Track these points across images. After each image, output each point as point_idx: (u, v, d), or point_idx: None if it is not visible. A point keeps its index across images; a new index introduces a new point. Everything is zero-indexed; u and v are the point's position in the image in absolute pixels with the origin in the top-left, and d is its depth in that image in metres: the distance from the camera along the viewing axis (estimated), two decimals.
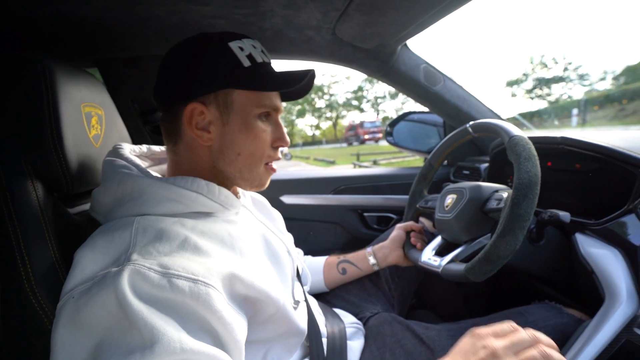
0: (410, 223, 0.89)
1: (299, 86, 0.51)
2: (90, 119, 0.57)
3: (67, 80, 0.52)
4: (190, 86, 0.50)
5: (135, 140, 0.79)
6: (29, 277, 0.42)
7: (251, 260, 0.51)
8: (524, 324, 0.63)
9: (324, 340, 0.67)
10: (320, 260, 0.92)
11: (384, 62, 0.94)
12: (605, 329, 0.53)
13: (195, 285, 0.39)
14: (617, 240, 0.62)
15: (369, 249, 0.90)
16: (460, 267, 0.63)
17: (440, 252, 0.76)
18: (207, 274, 0.41)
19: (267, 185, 0.60)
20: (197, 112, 0.51)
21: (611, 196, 0.70)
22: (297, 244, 1.21)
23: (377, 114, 46.22)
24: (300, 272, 0.73)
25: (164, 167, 0.62)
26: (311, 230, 1.25)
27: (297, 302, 0.63)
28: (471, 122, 0.74)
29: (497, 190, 0.69)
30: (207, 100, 0.51)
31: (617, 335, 0.52)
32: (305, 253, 0.98)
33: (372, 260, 0.87)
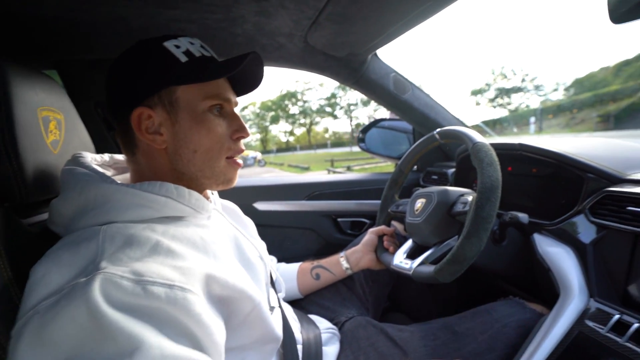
0: (382, 227, 0.91)
1: (240, 69, 0.50)
2: (47, 124, 0.54)
3: (22, 82, 0.49)
4: (131, 92, 0.49)
5: (99, 147, 0.76)
6: None
7: (225, 263, 0.50)
8: (490, 321, 0.67)
9: (300, 347, 0.66)
10: (294, 267, 0.91)
11: (355, 70, 0.97)
12: (561, 323, 0.57)
13: (172, 291, 0.38)
14: (569, 239, 0.67)
15: (342, 254, 0.90)
16: (429, 269, 0.65)
17: (411, 255, 0.78)
18: (183, 278, 0.40)
19: (235, 181, 0.58)
20: (144, 117, 0.49)
21: (564, 198, 0.76)
22: (271, 250, 1.19)
23: (350, 121, 46.99)
24: (274, 278, 0.72)
25: (128, 176, 0.59)
26: (285, 237, 1.24)
27: (272, 308, 0.63)
28: (438, 130, 0.78)
29: (463, 194, 0.73)
30: (151, 102, 0.50)
31: (571, 327, 0.56)
32: (280, 260, 0.97)
33: (345, 264, 0.88)
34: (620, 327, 0.52)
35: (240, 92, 0.60)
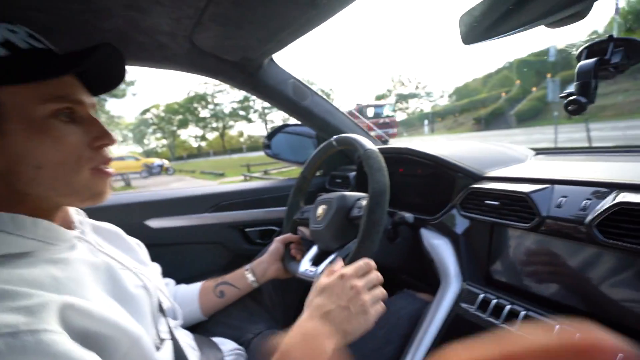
0: (288, 235, 0.90)
1: (86, 65, 0.42)
2: None
3: None
4: None
5: None
6: None
7: (89, 297, 0.41)
8: (387, 315, 0.70)
9: None
10: (195, 287, 0.83)
11: (251, 75, 0.93)
12: (442, 307, 0.64)
13: (17, 339, 0.30)
14: (447, 231, 0.76)
15: (247, 267, 0.86)
16: None
17: (317, 261, 0.79)
18: (30, 319, 0.32)
19: (106, 194, 0.49)
20: None
21: (443, 195, 0.86)
22: (172, 270, 1.07)
23: (266, 125, 46.56)
24: (164, 307, 0.64)
25: None
26: (189, 254, 1.13)
27: (162, 341, 0.55)
28: (335, 137, 0.80)
29: (359, 199, 0.76)
30: None
31: (450, 311, 0.64)
32: (183, 279, 0.89)
33: (250, 277, 0.84)
34: (485, 305, 0.60)
35: (98, 90, 0.51)
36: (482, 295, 0.62)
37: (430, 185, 0.92)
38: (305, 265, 0.78)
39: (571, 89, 0.58)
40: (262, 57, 0.87)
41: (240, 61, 0.86)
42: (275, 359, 0.48)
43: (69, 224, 0.52)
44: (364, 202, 0.73)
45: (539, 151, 0.98)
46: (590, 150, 0.92)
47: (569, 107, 0.57)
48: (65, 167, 0.43)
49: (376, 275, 0.55)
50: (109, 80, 0.51)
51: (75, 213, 0.56)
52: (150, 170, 20.99)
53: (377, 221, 0.62)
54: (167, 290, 0.71)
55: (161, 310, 0.62)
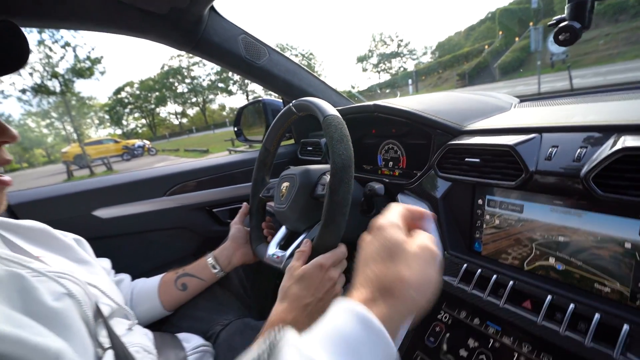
0: (243, 215, 0.83)
1: None
2: None
3: None
4: None
5: None
6: None
7: None
8: None
9: None
10: (155, 281, 0.76)
11: (190, 32, 0.78)
12: None
13: None
14: (426, 195, 0.68)
15: (209, 256, 0.78)
16: None
17: (285, 244, 0.72)
18: None
19: (3, 206, 0.42)
20: None
21: (421, 155, 0.77)
22: (133, 263, 0.98)
23: (247, 96, 45.11)
24: (103, 310, 0.55)
25: None
26: (151, 243, 1.03)
27: (104, 350, 0.48)
28: (293, 102, 0.69)
29: (324, 173, 0.67)
30: None
31: None
32: (150, 270, 0.82)
33: (214, 267, 0.76)
34: (468, 276, 0.53)
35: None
36: (464, 266, 0.54)
37: (406, 145, 0.82)
38: (272, 249, 0.71)
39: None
40: (197, 6, 0.72)
41: (171, 14, 0.71)
42: (257, 342, 0.42)
43: None
44: (327, 179, 0.63)
45: (524, 98, 0.88)
46: (579, 93, 0.82)
47: (560, 36, 0.47)
48: None
49: (342, 264, 0.56)
50: (11, 59, 0.42)
51: None
52: (132, 152, 20.34)
53: (340, 202, 0.53)
54: (113, 290, 0.63)
55: (100, 315, 0.54)
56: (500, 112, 0.71)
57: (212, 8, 0.80)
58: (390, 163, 0.87)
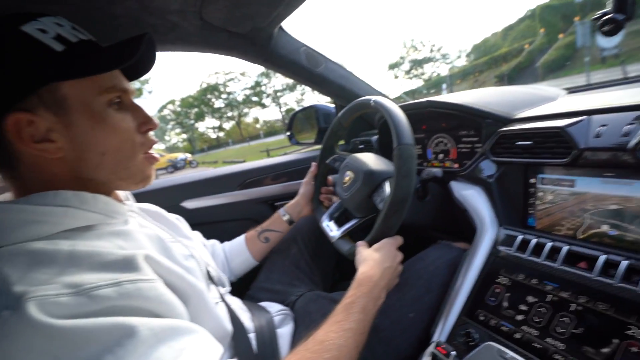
0: (314, 174, 0.94)
1: (140, 55, 0.44)
2: None
3: None
4: None
5: None
6: None
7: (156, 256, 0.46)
8: (424, 267, 0.72)
9: (252, 336, 0.64)
10: (240, 240, 0.92)
11: (263, 47, 0.93)
12: (480, 254, 0.64)
13: (121, 287, 0.35)
14: (478, 180, 0.75)
15: (281, 211, 0.94)
16: (346, 246, 0.72)
17: (338, 218, 0.83)
18: (127, 273, 0.37)
19: (152, 178, 0.54)
20: (24, 124, 0.41)
21: (471, 145, 0.84)
22: None
23: (280, 107, 46.37)
24: (213, 275, 0.68)
25: (8, 195, 0.49)
26: (223, 232, 1.18)
27: (215, 304, 0.59)
28: (376, 98, 0.73)
29: (385, 179, 0.72)
30: (29, 105, 0.41)
31: (488, 255, 0.63)
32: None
33: (287, 219, 0.93)
34: (524, 246, 0.60)
35: (130, 77, 0.53)
36: (520, 237, 0.61)
37: (456, 137, 0.90)
38: (326, 221, 0.83)
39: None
40: (271, 25, 0.86)
41: (251, 33, 0.86)
42: (347, 302, 0.54)
43: (119, 200, 0.56)
44: (386, 192, 0.69)
45: (572, 90, 0.92)
46: (631, 81, 0.85)
47: (604, 28, 0.53)
48: (124, 152, 0.47)
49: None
50: (142, 66, 0.53)
51: (122, 194, 0.60)
52: (175, 165, 21.69)
53: (390, 228, 0.64)
54: (212, 261, 0.76)
55: (210, 278, 0.66)
56: (548, 102, 0.76)
57: (281, 26, 0.94)
58: (441, 155, 0.95)
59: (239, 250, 0.90)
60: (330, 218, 0.83)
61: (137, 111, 0.50)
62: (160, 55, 0.96)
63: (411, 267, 0.72)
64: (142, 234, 0.51)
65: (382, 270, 0.60)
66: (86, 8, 0.64)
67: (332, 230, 0.78)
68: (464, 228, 0.80)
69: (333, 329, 0.49)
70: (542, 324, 0.49)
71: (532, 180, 0.65)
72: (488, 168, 0.73)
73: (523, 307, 0.53)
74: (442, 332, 0.59)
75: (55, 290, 0.32)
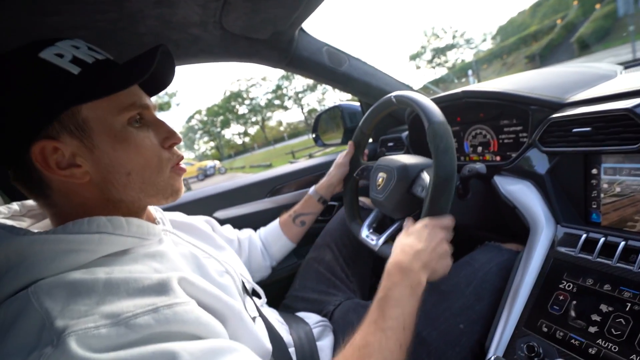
0: (349, 155, 0.91)
1: (152, 70, 0.43)
2: None
3: None
4: (18, 126, 0.39)
5: (12, 195, 0.65)
6: None
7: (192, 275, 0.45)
8: (472, 272, 0.66)
9: (292, 350, 0.62)
10: (275, 226, 0.94)
11: (285, 50, 0.91)
12: (536, 255, 0.58)
13: (159, 313, 0.35)
14: (526, 173, 0.68)
15: (311, 192, 0.94)
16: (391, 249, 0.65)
17: (378, 226, 0.78)
18: (163, 297, 0.37)
19: (182, 190, 0.53)
20: (49, 152, 0.40)
21: (515, 135, 0.77)
22: None
23: (302, 109, 46.72)
24: (248, 288, 0.67)
25: (49, 222, 0.50)
26: None
27: (253, 319, 0.58)
28: (397, 93, 0.71)
29: (422, 170, 0.69)
30: (52, 132, 0.40)
31: (546, 257, 0.57)
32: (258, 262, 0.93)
33: (320, 199, 0.93)
34: (589, 246, 0.53)
35: (152, 92, 0.52)
36: (584, 235, 0.54)
37: (497, 128, 0.83)
38: (365, 231, 0.78)
39: None
40: (292, 28, 0.83)
41: (272, 37, 0.84)
42: (379, 297, 0.50)
43: (152, 221, 0.56)
44: (426, 179, 0.66)
45: (629, 64, 0.82)
46: None
47: None
48: (150, 170, 0.47)
49: (450, 233, 0.59)
50: (162, 80, 0.52)
51: (154, 210, 0.60)
52: (205, 172, 22.51)
53: (440, 211, 0.58)
54: (247, 272, 0.75)
55: (246, 291, 0.65)
56: (605, 80, 0.68)
57: (301, 28, 0.92)
58: (479, 148, 0.88)
59: (276, 237, 0.91)
60: (369, 228, 0.79)
61: (160, 126, 0.49)
62: (185, 69, 0.97)
63: (457, 273, 0.67)
64: (177, 253, 0.50)
65: (413, 254, 0.54)
66: (111, 30, 0.65)
67: (373, 239, 0.73)
68: (514, 227, 0.73)
69: (370, 330, 0.47)
70: (622, 337, 0.43)
71: (594, 171, 0.57)
72: (538, 160, 0.66)
73: (596, 318, 0.47)
74: (498, 345, 0.53)
75: (94, 322, 0.32)
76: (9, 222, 0.43)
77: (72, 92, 0.40)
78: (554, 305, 0.52)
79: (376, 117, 0.80)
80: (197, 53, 0.81)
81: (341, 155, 0.93)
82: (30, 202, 0.51)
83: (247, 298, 0.64)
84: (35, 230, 0.41)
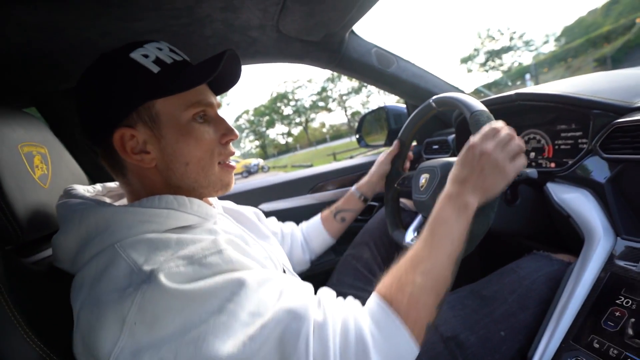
0: (392, 154, 0.92)
1: (218, 71, 0.48)
2: (31, 159, 0.53)
3: None
4: (107, 114, 0.47)
5: (93, 176, 0.75)
6: None
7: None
8: (517, 280, 0.64)
9: None
10: (317, 221, 0.95)
11: (335, 52, 0.94)
12: (590, 268, 0.54)
13: (223, 254, 0.43)
14: (584, 181, 0.64)
15: (353, 189, 0.95)
16: None
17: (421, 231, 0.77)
18: (214, 245, 0.44)
19: (232, 184, 0.58)
20: (126, 138, 0.48)
21: (572, 141, 0.73)
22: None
23: (345, 111, 46.75)
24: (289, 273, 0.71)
25: (125, 201, 0.58)
26: None
27: None
28: (433, 97, 0.74)
29: None
30: (131, 121, 0.48)
31: (602, 271, 0.53)
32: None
33: (361, 196, 0.94)
34: None
35: (219, 90, 0.59)
36: None
37: (552, 133, 0.78)
38: (410, 236, 0.77)
39: None
40: (343, 30, 0.86)
41: (323, 39, 0.88)
42: (429, 222, 0.53)
43: (209, 205, 0.62)
44: None
45: None
46: None
47: None
48: (203, 162, 0.52)
49: (506, 133, 0.55)
50: (228, 80, 0.58)
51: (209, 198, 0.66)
52: (249, 170, 23.47)
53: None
54: (288, 262, 0.79)
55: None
56: None
57: (352, 30, 0.94)
58: (532, 154, 0.84)
59: (317, 231, 0.93)
60: (415, 232, 0.79)
61: (220, 123, 0.54)
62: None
63: (501, 280, 0.65)
64: (230, 234, 0.55)
65: (458, 182, 0.55)
66: (184, 33, 0.73)
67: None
68: (566, 237, 0.69)
69: (420, 246, 0.51)
70: None
71: None
72: (598, 167, 0.62)
73: None
74: (542, 356, 0.51)
75: (176, 264, 0.39)
76: (94, 198, 0.51)
77: (150, 88, 0.47)
78: (608, 321, 0.49)
79: (416, 125, 0.80)
80: (254, 54, 0.87)
81: (383, 154, 0.94)
82: (110, 184, 0.60)
83: None
84: (117, 204, 0.48)
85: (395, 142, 0.91)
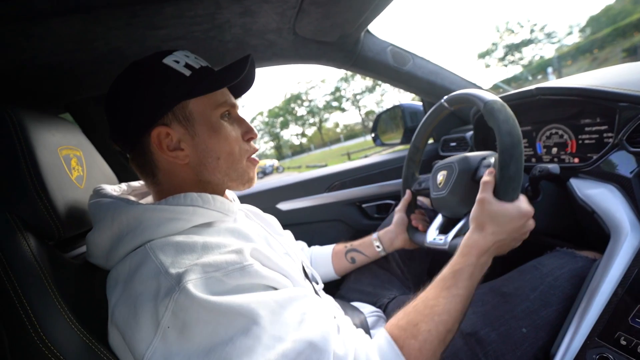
0: (407, 201, 0.89)
1: (245, 73, 0.52)
2: (69, 162, 0.57)
3: (38, 126, 0.51)
4: (145, 114, 0.51)
5: (122, 177, 0.79)
6: (36, 330, 0.41)
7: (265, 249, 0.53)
8: (540, 277, 0.64)
9: None
10: (328, 250, 0.93)
11: (351, 52, 0.95)
12: (617, 264, 0.53)
13: (244, 270, 0.43)
14: (609, 176, 0.63)
15: (374, 236, 0.90)
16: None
17: (444, 229, 0.76)
18: (239, 257, 0.45)
19: (255, 179, 0.61)
20: (163, 135, 0.51)
21: (596, 135, 0.71)
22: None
23: (359, 111, 46.50)
24: (307, 272, 0.72)
25: (149, 199, 0.61)
26: (314, 232, 1.24)
27: None
28: (445, 97, 0.74)
29: (484, 157, 0.69)
30: (166, 120, 0.51)
31: (629, 267, 0.52)
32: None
33: (378, 247, 0.88)
34: None
35: (237, 94, 0.62)
36: None
37: (574, 127, 0.76)
38: (432, 235, 0.76)
39: None
40: (358, 30, 0.87)
41: (339, 40, 0.89)
42: (455, 269, 0.55)
43: (229, 200, 0.64)
44: (491, 160, 0.65)
45: None
46: None
47: None
48: (233, 157, 0.56)
49: (528, 221, 0.59)
50: (245, 84, 0.62)
51: (229, 194, 0.68)
52: (264, 171, 23.75)
53: (513, 177, 0.56)
54: (306, 258, 0.81)
55: (305, 274, 0.70)
56: None
57: (367, 29, 0.95)
58: (554, 149, 0.82)
59: (324, 262, 0.91)
60: (436, 231, 0.78)
61: (242, 123, 0.58)
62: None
63: (522, 277, 0.64)
64: (249, 228, 0.57)
65: (490, 235, 0.56)
66: (204, 38, 0.75)
67: (442, 239, 0.72)
68: (591, 234, 0.67)
69: (443, 294, 0.53)
70: None
71: None
72: (624, 161, 0.61)
73: None
74: (565, 353, 0.51)
75: (200, 273, 0.41)
76: (122, 196, 0.54)
77: (184, 90, 0.51)
78: (636, 318, 0.47)
79: (429, 128, 0.80)
80: (271, 57, 0.89)
81: (397, 209, 0.91)
82: (134, 184, 0.64)
83: (306, 280, 0.69)
84: (142, 202, 0.51)
85: (408, 192, 0.89)
